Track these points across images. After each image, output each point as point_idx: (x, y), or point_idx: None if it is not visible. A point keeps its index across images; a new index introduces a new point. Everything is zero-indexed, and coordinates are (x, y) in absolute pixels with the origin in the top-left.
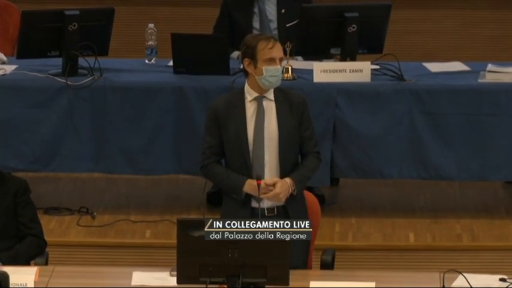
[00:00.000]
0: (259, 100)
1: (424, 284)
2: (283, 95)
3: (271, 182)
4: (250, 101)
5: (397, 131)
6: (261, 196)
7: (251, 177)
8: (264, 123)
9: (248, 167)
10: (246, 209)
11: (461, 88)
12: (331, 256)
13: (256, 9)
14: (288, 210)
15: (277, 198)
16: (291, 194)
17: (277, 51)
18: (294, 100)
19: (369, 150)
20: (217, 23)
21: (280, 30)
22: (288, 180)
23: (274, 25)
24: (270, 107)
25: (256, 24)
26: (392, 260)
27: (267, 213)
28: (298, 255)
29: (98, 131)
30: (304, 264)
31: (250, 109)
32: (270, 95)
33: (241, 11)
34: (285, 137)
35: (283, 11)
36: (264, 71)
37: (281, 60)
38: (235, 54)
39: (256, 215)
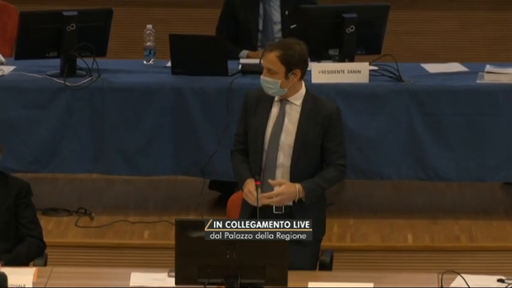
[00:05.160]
0: (282, 102)
1: (423, 284)
2: (313, 102)
3: (278, 182)
4: (277, 101)
5: (395, 131)
6: (263, 195)
7: (260, 176)
8: (282, 127)
9: (260, 166)
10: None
11: (459, 89)
12: (330, 257)
13: (261, 10)
14: (295, 214)
15: (279, 198)
16: (300, 200)
17: (264, 59)
18: (322, 111)
19: (367, 151)
20: (220, 24)
21: (284, 32)
22: (297, 185)
23: (278, 27)
24: (294, 112)
25: (260, 25)
26: (391, 261)
27: (275, 211)
28: (307, 257)
29: (96, 131)
30: (313, 266)
31: (275, 109)
32: (297, 100)
33: (247, 11)
34: (300, 144)
35: (286, 12)
36: None
37: (269, 70)
38: (244, 53)
39: (260, 209)
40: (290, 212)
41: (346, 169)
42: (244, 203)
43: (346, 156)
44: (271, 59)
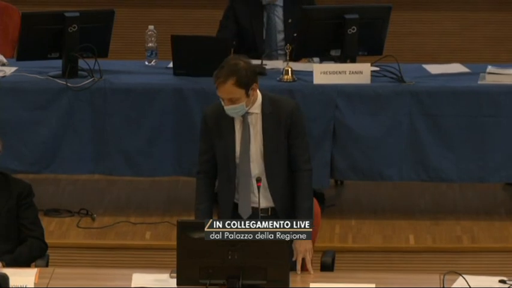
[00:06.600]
0: (244, 116)
1: (424, 285)
2: (272, 105)
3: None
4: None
5: (397, 132)
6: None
7: (235, 191)
8: (249, 139)
9: (233, 181)
10: (229, 202)
11: (461, 90)
12: (331, 258)
13: (265, 19)
14: (279, 215)
15: (303, 253)
16: (283, 201)
17: (221, 92)
18: (282, 111)
19: (368, 152)
20: (222, 28)
21: (287, 39)
22: None
23: (282, 36)
24: (256, 121)
25: (264, 34)
26: (393, 262)
27: (261, 213)
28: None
29: (98, 132)
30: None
31: (238, 125)
32: (256, 109)
33: (251, 20)
34: (270, 150)
35: (289, 20)
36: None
37: (231, 100)
38: None
39: (238, 211)
40: (275, 213)
41: (312, 169)
42: (223, 204)
43: (309, 150)
44: (229, 89)
